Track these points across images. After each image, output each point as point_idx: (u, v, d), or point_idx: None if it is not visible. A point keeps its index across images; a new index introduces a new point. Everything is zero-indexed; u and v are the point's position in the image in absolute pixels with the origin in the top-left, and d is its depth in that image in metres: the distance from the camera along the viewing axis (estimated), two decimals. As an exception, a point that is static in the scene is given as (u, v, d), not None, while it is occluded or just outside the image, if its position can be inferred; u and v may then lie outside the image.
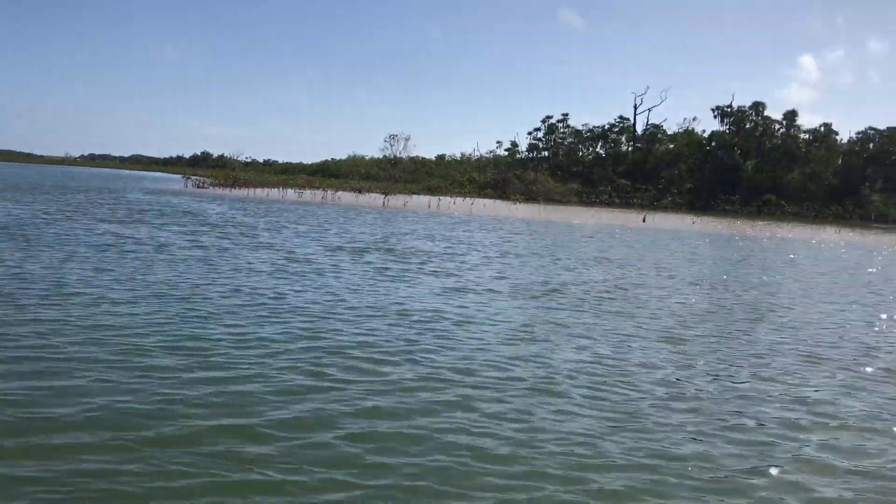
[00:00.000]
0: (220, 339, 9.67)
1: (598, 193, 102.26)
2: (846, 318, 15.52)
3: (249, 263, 17.54)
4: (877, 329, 14.29)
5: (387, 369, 8.82)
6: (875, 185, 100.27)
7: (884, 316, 16.14)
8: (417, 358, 9.44)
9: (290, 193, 66.03)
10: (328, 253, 21.04)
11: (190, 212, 35.18)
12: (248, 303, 12.42)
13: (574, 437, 6.97)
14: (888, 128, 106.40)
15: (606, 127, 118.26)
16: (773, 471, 6.45)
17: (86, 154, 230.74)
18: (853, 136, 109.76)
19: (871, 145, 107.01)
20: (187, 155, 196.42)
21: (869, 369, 10.62)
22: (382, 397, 7.74)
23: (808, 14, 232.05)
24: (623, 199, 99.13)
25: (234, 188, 69.04)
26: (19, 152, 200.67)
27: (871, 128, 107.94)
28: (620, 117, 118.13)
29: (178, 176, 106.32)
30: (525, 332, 11.64)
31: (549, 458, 6.39)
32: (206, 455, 5.99)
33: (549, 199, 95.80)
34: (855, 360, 11.22)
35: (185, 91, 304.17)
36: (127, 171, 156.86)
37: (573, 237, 36.01)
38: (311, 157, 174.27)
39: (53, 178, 75.06)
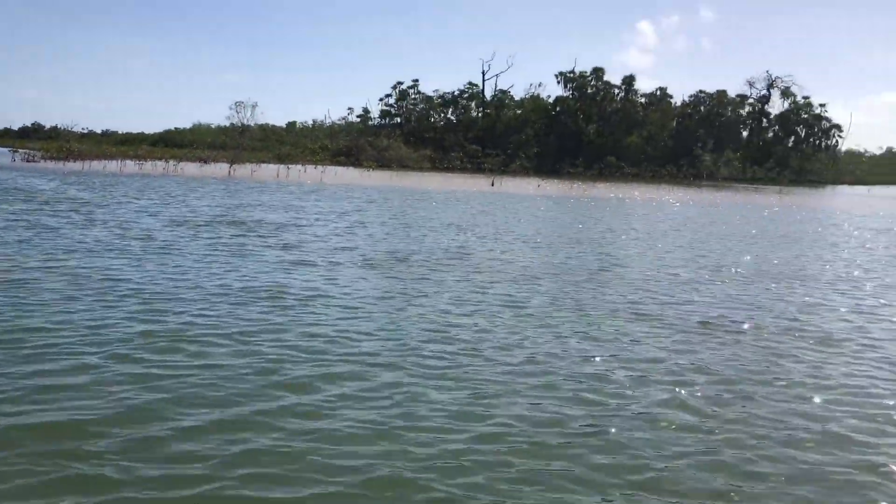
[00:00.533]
0: (39, 329, 9.10)
1: (450, 159, 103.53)
2: (676, 276, 16.59)
3: (80, 243, 16.60)
4: (700, 284, 15.38)
5: (224, 352, 8.63)
6: (706, 146, 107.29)
7: (706, 273, 17.38)
8: (259, 339, 9.27)
9: (130, 165, 62.69)
10: (168, 228, 20.24)
11: (16, 188, 32.72)
12: (77, 286, 11.75)
13: (420, 407, 7.11)
14: (717, 91, 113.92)
15: (456, 93, 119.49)
16: (612, 430, 6.79)
17: None
18: (686, 99, 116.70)
19: (702, 108, 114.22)
20: (16, 126, 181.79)
21: (695, 325, 11.43)
22: (223, 383, 7.56)
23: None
24: (474, 165, 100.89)
25: (69, 161, 64.72)
26: None
27: (701, 91, 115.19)
28: (469, 83, 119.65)
29: (5, 149, 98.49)
30: (371, 304, 11.70)
31: (400, 436, 6.45)
32: (29, 454, 5.67)
33: (403, 165, 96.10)
34: (680, 317, 12.04)
35: (11, 58, 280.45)
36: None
37: (424, 204, 36.38)
38: (153, 127, 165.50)
39: None
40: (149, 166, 62.89)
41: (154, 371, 7.75)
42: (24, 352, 8.13)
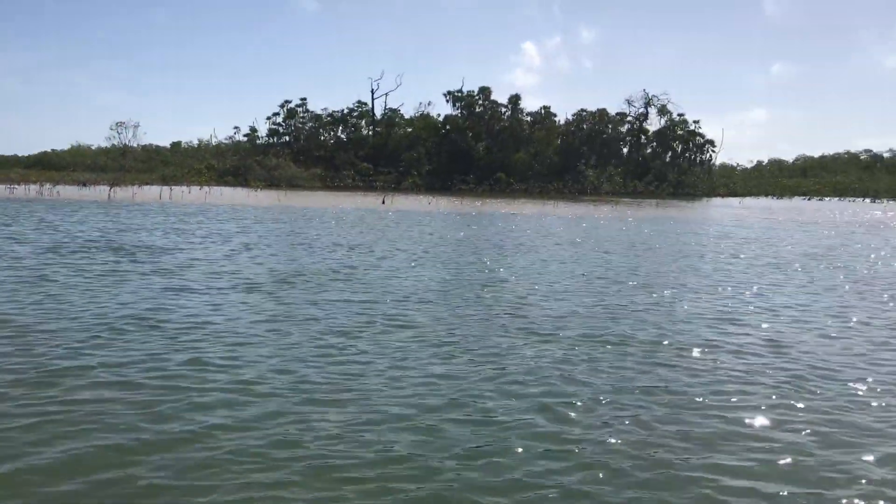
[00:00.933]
0: None
1: (341, 178, 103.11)
2: (555, 287, 17.12)
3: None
4: (578, 295, 15.94)
5: (101, 382, 8.38)
6: (589, 162, 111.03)
7: (580, 283, 18.02)
8: (137, 369, 9.05)
9: (1, 189, 59.45)
10: (39, 255, 19.34)
11: None
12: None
13: (304, 434, 7.12)
14: (598, 109, 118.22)
15: (346, 111, 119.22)
16: (497, 446, 7.03)
17: None
18: (569, 117, 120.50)
19: (584, 126, 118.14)
20: None
21: (574, 337, 11.85)
22: (98, 417, 7.37)
23: (529, 2, 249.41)
24: (366, 183, 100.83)
25: (-73, 186, 60.78)
26: None
27: (583, 109, 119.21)
28: (359, 102, 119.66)
29: None
30: (255, 329, 11.58)
31: (283, 465, 6.48)
32: None
33: (293, 184, 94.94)
34: (558, 328, 12.46)
35: None
36: None
37: (313, 223, 36.08)
38: (27, 149, 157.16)
39: None
40: (21, 191, 59.78)
41: (21, 409, 7.46)
42: None
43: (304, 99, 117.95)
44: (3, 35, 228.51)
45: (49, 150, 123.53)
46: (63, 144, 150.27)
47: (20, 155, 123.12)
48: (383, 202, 61.61)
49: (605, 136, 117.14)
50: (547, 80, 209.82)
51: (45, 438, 6.66)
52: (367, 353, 10.08)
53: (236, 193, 68.78)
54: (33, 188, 62.16)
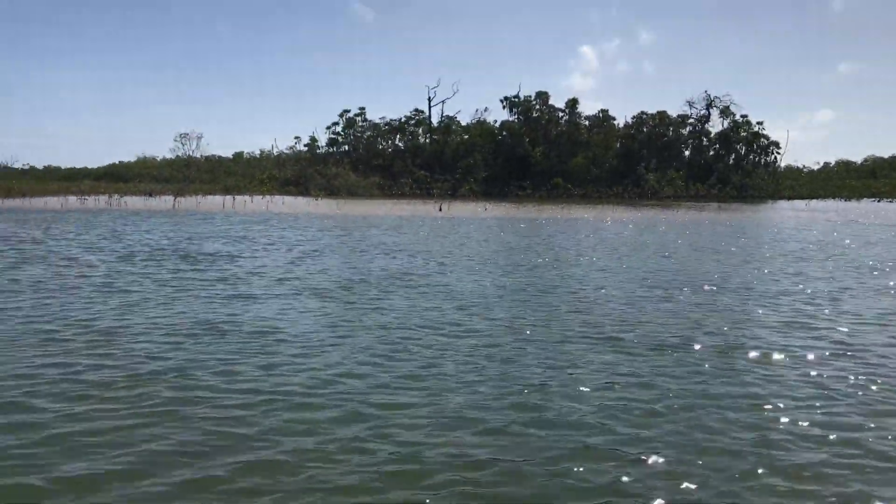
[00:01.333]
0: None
1: (399, 186, 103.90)
2: (622, 294, 16.88)
3: (13, 281, 16.26)
4: (652, 303, 15.67)
5: (172, 386, 8.57)
6: (650, 166, 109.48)
7: (659, 292, 17.72)
8: (204, 374, 9.23)
9: (73, 201, 61.51)
10: (111, 263, 19.91)
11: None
12: (16, 326, 11.53)
13: (373, 437, 7.15)
14: (658, 112, 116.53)
15: (403, 120, 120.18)
16: (583, 446, 6.95)
17: None
18: (629, 120, 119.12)
19: (644, 129, 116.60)
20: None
21: (648, 346, 11.66)
22: (170, 420, 7.53)
23: (587, 6, 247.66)
24: (424, 190, 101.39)
25: (6, 199, 63.20)
26: None
27: (643, 112, 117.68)
28: (416, 110, 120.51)
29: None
30: (323, 334, 11.69)
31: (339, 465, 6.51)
32: None
33: (352, 193, 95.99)
34: (625, 335, 12.26)
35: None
36: None
37: (372, 231, 36.38)
38: (98, 161, 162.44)
39: None
40: (91, 202, 61.75)
41: (102, 412, 7.65)
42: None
43: (363, 108, 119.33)
44: (75, 52, 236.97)
45: (117, 161, 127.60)
46: (130, 156, 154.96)
47: (90, 167, 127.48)
48: (440, 209, 61.76)
49: (665, 138, 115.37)
50: (605, 83, 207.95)
51: (126, 440, 6.81)
52: (434, 357, 10.07)
53: (297, 202, 69.80)
54: (103, 199, 64.19)
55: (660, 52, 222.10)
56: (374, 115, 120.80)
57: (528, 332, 11.89)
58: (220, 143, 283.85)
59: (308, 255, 23.28)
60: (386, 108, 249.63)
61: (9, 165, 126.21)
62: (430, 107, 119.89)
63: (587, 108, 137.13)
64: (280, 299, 14.66)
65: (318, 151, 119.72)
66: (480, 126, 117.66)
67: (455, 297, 15.33)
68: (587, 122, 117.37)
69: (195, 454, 6.54)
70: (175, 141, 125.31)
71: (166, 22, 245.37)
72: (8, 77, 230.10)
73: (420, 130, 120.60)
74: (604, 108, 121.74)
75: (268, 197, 76.64)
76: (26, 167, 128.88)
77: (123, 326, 11.68)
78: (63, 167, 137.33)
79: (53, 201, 60.19)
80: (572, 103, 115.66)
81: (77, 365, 9.27)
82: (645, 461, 6.61)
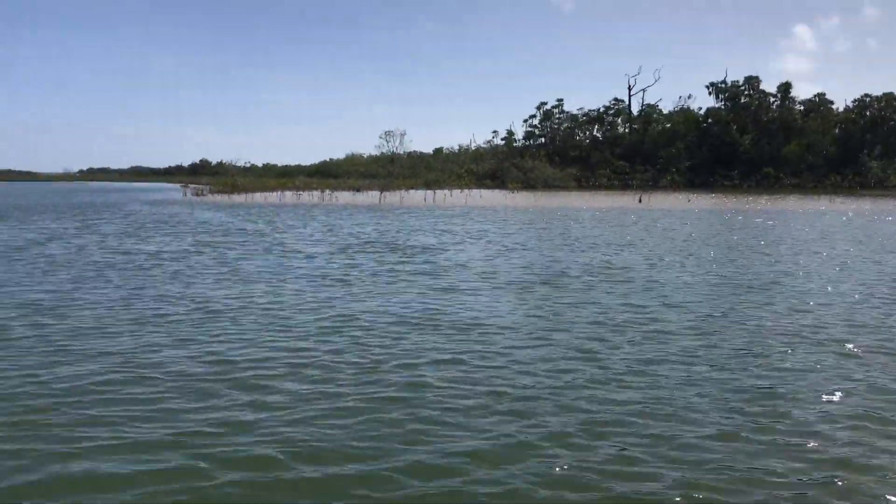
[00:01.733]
0: (262, 359, 9.74)
1: (596, 177, 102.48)
2: (840, 297, 15.55)
3: (258, 271, 17.64)
4: (868, 304, 14.32)
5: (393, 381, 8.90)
6: (873, 152, 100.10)
7: (855, 291, 16.17)
8: (415, 364, 9.49)
9: (289, 196, 66.18)
10: (328, 254, 21.10)
11: (182, 221, 35.35)
12: (274, 314, 12.49)
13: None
14: (884, 94, 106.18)
15: (601, 110, 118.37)
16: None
17: (84, 169, 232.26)
18: (849, 104, 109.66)
19: (868, 112, 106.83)
20: (186, 163, 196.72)
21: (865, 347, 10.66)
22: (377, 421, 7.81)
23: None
24: (622, 182, 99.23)
25: (233, 194, 69.18)
26: (19, 171, 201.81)
27: (867, 95, 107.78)
28: (615, 99, 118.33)
29: (177, 186, 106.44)
30: (522, 326, 11.70)
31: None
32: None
33: (548, 185, 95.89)
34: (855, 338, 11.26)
35: (181, 99, 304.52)
36: (126, 184, 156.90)
37: (571, 223, 36.05)
38: (309, 159, 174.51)
39: (56, 196, 75.17)
40: (306, 196, 66.10)
41: (327, 395, 8.06)
42: (239, 375, 8.68)
43: (561, 100, 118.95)
44: (288, 57, 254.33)
45: (327, 159, 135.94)
46: (339, 154, 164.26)
47: (303, 164, 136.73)
48: (640, 201, 60.12)
49: (892, 123, 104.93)
50: (822, 64, 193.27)
51: (356, 422, 7.10)
52: (644, 356, 9.73)
53: (494, 196, 70.77)
54: (315, 194, 68.58)
55: (886, 26, 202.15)
56: (571, 106, 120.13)
57: (745, 332, 11.19)
58: (422, 140, 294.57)
59: (510, 249, 23.42)
60: (583, 98, 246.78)
61: (233, 164, 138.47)
62: (629, 95, 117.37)
63: (801, 92, 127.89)
64: (485, 292, 14.83)
65: (514, 145, 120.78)
66: (683, 114, 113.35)
67: (663, 293, 14.76)
68: (801, 107, 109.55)
69: (418, 440, 6.69)
70: (380, 138, 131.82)
71: (365, 20, 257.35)
72: (233, 83, 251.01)
73: (619, 120, 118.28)
74: (820, 91, 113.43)
75: (466, 191, 78.33)
76: (248, 165, 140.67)
77: (349, 315, 12.24)
78: (279, 164, 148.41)
79: (272, 196, 65.05)
80: (785, 87, 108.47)
81: (314, 350, 9.82)
82: None
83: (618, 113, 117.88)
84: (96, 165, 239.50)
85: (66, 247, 23.07)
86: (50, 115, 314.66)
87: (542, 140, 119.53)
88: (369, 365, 9.12)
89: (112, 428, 6.86)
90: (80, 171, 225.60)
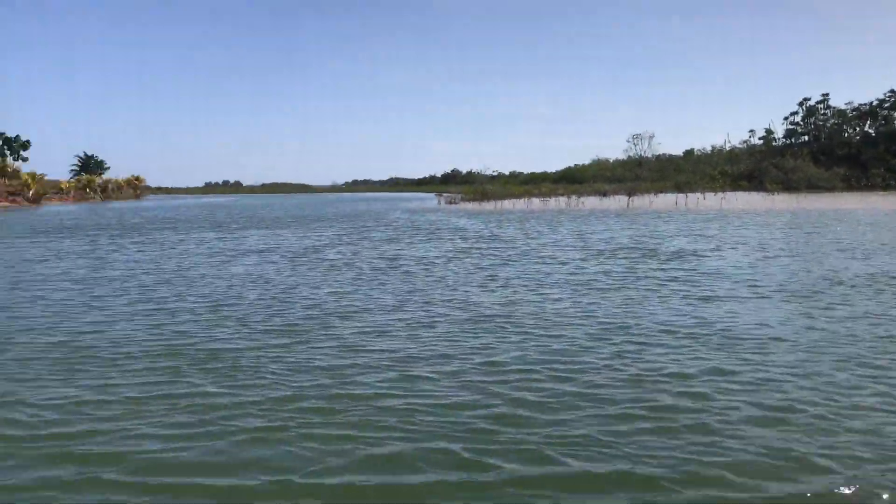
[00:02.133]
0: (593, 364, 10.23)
1: (869, 177, 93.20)
2: None
3: (516, 277, 18.27)
4: None
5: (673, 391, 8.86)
6: None
7: None
8: (644, 377, 9.35)
9: (535, 203, 67.23)
10: (587, 260, 21.25)
11: (440, 228, 37.24)
12: (552, 320, 12.98)
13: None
14: None
15: (875, 103, 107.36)
16: None
17: (349, 181, 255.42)
18: None
19: None
20: (439, 174, 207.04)
21: None
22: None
23: None
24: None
25: (483, 202, 71.57)
26: (296, 184, 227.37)
27: None
28: (892, 91, 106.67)
29: (432, 195, 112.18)
30: (787, 339, 11.07)
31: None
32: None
33: (812, 186, 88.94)
34: None
35: (425, 113, 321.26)
36: (386, 194, 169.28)
37: (841, 228, 33.16)
38: (555, 165, 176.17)
39: (328, 206, 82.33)
40: (552, 202, 66.78)
41: (553, 397, 8.21)
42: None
43: (826, 94, 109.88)
44: (530, 67, 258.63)
45: (573, 165, 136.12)
46: (585, 159, 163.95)
47: (549, 171, 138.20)
48: (926, 202, 53.79)
49: None
50: None
51: (586, 425, 7.18)
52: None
53: (751, 198, 66.95)
54: (562, 200, 69.04)
55: None
56: (838, 101, 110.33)
57: None
58: (670, 142, 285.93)
59: (774, 256, 22.08)
60: (853, 92, 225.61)
61: (481, 172, 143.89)
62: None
63: None
64: (751, 301, 14.15)
65: (773, 144, 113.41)
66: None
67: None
68: None
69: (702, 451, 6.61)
70: (628, 142, 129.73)
71: (612, 25, 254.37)
72: (476, 92, 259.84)
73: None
74: None
75: (720, 193, 74.70)
76: (494, 173, 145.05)
77: (612, 323, 12.28)
78: (525, 172, 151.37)
79: (520, 203, 66.47)
80: None
81: (583, 357, 10.04)
82: None
83: (894, 106, 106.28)
84: (359, 178, 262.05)
85: (341, 252, 25.29)
86: (322, 134, 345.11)
87: (805, 138, 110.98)
88: (636, 374, 9.11)
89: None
90: (346, 183, 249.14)
